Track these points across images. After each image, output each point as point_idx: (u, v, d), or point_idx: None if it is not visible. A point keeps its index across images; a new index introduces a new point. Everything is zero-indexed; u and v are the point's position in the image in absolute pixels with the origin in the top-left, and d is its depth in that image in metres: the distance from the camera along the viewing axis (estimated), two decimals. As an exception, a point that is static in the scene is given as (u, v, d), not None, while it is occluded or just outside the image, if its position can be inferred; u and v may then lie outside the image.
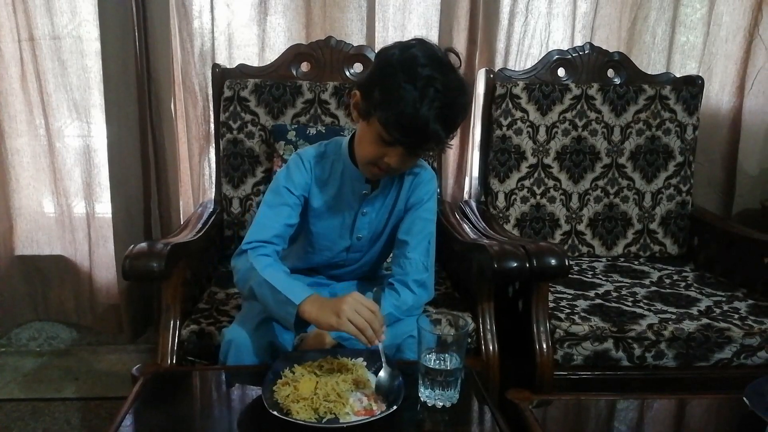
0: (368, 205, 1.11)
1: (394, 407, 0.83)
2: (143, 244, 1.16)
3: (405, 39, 1.02)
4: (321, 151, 1.13)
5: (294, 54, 1.65)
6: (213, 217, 1.53)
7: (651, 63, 1.82)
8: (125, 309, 1.81)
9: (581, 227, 1.73)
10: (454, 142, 1.83)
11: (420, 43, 0.96)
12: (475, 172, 1.77)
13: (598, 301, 1.38)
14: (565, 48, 1.75)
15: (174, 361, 1.15)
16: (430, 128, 0.91)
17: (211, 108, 1.70)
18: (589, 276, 1.56)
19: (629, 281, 1.52)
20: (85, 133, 1.77)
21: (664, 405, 0.99)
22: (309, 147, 1.15)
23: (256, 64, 1.69)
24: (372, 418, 0.82)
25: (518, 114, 1.68)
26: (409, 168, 1.06)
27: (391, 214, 1.14)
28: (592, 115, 1.70)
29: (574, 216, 1.72)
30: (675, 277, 1.57)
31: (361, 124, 1.01)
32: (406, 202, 1.12)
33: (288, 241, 1.13)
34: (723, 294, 1.44)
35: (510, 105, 1.68)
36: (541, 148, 1.70)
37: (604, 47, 1.74)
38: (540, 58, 1.74)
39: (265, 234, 1.06)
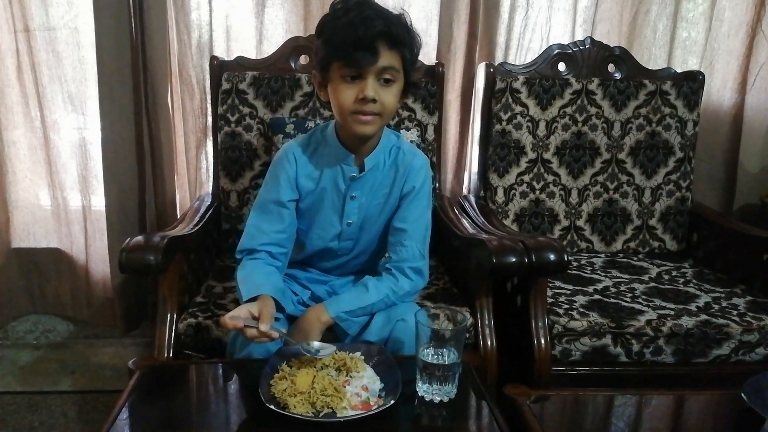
0: (357, 188, 1.11)
1: (392, 401, 0.83)
2: (140, 237, 1.16)
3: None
4: (306, 143, 1.13)
5: (292, 46, 1.64)
6: (210, 211, 1.53)
7: (652, 58, 1.81)
8: (118, 303, 1.80)
9: (580, 223, 1.72)
10: (453, 137, 1.82)
11: None
12: (475, 167, 1.77)
13: (597, 296, 1.37)
14: (566, 42, 1.73)
15: (171, 355, 1.15)
16: (370, 28, 0.94)
17: (209, 100, 1.69)
18: (588, 272, 1.55)
19: (628, 277, 1.52)
20: (80, 125, 1.76)
21: (661, 401, 0.99)
22: (293, 141, 1.15)
23: (254, 57, 1.68)
24: (369, 413, 0.81)
25: (518, 108, 1.67)
26: (391, 101, 1.01)
27: (385, 203, 1.13)
28: (593, 110, 1.69)
29: (573, 211, 1.72)
30: (674, 273, 1.57)
31: (329, 89, 1.03)
32: (401, 191, 1.12)
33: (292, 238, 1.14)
34: (722, 290, 1.43)
35: (510, 99, 1.67)
36: (540, 143, 1.69)
37: (604, 42, 1.72)
38: (540, 52, 1.73)
39: (255, 243, 1.10)
